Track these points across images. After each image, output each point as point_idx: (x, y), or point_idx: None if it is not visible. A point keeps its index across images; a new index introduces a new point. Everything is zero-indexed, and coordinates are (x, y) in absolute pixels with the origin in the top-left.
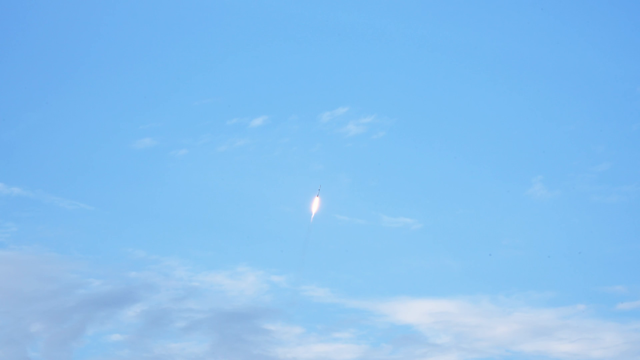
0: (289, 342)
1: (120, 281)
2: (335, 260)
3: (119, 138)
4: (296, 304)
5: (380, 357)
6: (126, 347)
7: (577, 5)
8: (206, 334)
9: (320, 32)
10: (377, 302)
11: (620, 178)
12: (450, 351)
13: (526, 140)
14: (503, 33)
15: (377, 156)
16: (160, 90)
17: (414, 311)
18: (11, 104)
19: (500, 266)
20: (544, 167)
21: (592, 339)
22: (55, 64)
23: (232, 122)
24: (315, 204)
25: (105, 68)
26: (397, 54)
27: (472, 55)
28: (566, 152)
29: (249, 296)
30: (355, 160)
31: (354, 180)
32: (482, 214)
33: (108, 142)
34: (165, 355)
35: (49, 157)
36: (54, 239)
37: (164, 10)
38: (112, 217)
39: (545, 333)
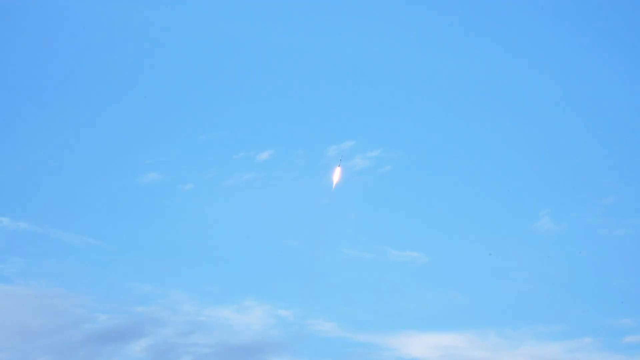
0: None
1: (127, 316)
2: (342, 294)
3: (125, 173)
4: (303, 338)
5: None
6: None
7: (584, 37)
8: None
9: (327, 66)
10: (384, 336)
11: (627, 211)
12: None
13: (533, 173)
14: (508, 65)
15: (384, 190)
16: (166, 125)
17: (422, 345)
18: (17, 139)
19: (508, 300)
20: (551, 200)
21: None
22: (61, 99)
23: (239, 156)
24: (337, 174)
25: (110, 103)
26: (403, 88)
27: (476, 87)
28: (573, 185)
29: (256, 330)
30: (361, 194)
31: (361, 214)
32: (489, 248)
33: (114, 177)
34: None
35: (55, 192)
36: (60, 274)
37: (170, 45)
38: (118, 251)
39: None
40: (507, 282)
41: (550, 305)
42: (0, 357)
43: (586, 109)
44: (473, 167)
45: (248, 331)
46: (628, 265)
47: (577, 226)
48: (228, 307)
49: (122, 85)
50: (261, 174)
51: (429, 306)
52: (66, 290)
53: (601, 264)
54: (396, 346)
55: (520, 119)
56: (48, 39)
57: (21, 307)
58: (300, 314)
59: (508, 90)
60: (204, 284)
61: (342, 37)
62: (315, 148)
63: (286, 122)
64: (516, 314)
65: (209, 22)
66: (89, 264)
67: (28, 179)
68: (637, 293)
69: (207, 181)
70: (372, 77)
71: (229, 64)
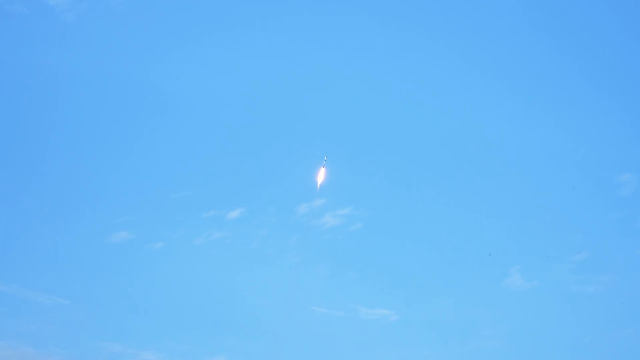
0: None
1: None
2: (313, 353)
3: (95, 231)
4: None
5: None
6: None
7: (546, 93)
8: None
9: (296, 124)
10: None
11: (598, 267)
12: None
13: (503, 230)
14: (475, 120)
15: (354, 248)
16: (136, 184)
17: None
18: None
19: (479, 357)
20: (522, 257)
21: None
22: (29, 156)
23: (209, 214)
24: (321, 175)
25: (80, 161)
26: (373, 145)
27: (445, 144)
28: (544, 241)
29: None
30: (332, 252)
31: (331, 272)
32: (460, 305)
33: (84, 236)
34: None
35: (24, 251)
36: (30, 334)
37: (140, 104)
38: (88, 311)
39: None
40: (478, 339)
41: None
42: None
43: (556, 164)
44: (443, 224)
45: None
46: (599, 322)
47: (548, 282)
48: None
49: (91, 143)
50: (232, 232)
51: None
52: (36, 351)
53: (572, 321)
54: None
55: (491, 175)
56: (13, 95)
57: None
58: None
59: (478, 146)
60: (174, 343)
61: (312, 96)
62: (286, 206)
63: (256, 180)
64: None
65: (177, 80)
66: (59, 324)
67: None
68: (609, 350)
69: (178, 240)
70: (342, 137)
71: (198, 122)
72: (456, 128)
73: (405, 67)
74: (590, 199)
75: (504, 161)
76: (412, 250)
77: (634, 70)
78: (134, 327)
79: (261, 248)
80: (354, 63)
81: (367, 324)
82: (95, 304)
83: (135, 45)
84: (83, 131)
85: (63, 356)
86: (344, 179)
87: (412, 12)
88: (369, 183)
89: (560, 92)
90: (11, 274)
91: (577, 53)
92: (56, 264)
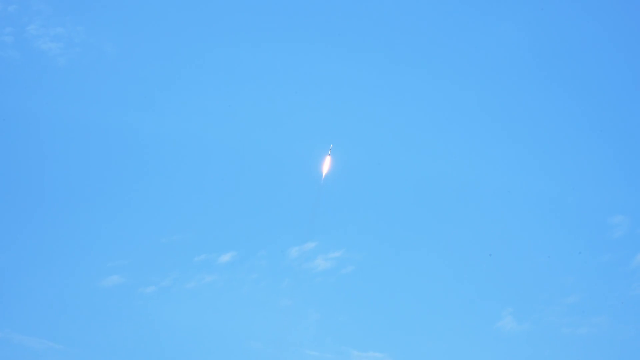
0: None
1: None
2: None
3: (87, 276)
4: None
5: None
6: None
7: (538, 136)
8: None
9: (285, 169)
10: None
11: (590, 310)
12: None
13: (495, 272)
14: (465, 162)
15: (346, 290)
16: (127, 228)
17: None
18: None
19: None
20: (514, 299)
21: None
22: (21, 200)
23: (200, 258)
24: (327, 164)
25: (71, 206)
26: (364, 189)
27: (435, 186)
28: (535, 284)
29: None
30: (323, 295)
31: (323, 315)
32: (452, 347)
33: (76, 280)
34: None
35: (15, 296)
36: None
37: (129, 148)
38: (80, 355)
39: None
40: None
41: None
42: None
43: (548, 206)
44: (436, 266)
45: None
46: None
47: (540, 325)
48: None
49: (82, 188)
50: (223, 276)
51: None
52: None
53: None
54: None
55: (483, 218)
56: (4, 140)
57: None
58: None
59: (470, 190)
60: None
61: (300, 142)
62: (277, 249)
63: (248, 224)
64: None
65: (168, 125)
66: None
67: None
68: None
69: (169, 284)
70: (333, 180)
71: (189, 167)
72: (447, 171)
73: (397, 111)
74: (583, 241)
75: (496, 204)
76: (404, 292)
77: (626, 115)
78: None
79: (253, 292)
80: (345, 105)
81: None
82: (87, 348)
83: (127, 91)
84: (74, 176)
85: None
86: (336, 222)
87: (406, 54)
88: (360, 226)
89: (552, 135)
90: (3, 319)
91: (569, 99)
92: (48, 308)
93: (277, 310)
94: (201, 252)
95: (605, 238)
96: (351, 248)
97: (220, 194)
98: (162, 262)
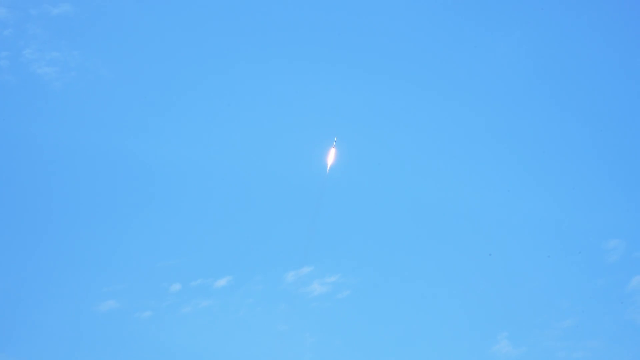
0: None
1: None
2: None
3: (82, 301)
4: None
5: None
6: None
7: (532, 159)
8: None
9: (281, 193)
10: None
11: (585, 334)
12: None
13: (491, 297)
14: (467, 189)
15: (342, 315)
16: (123, 253)
17: None
18: None
19: None
20: (509, 323)
21: None
22: (14, 225)
23: (197, 283)
24: (331, 156)
25: (66, 231)
26: (359, 214)
27: (428, 211)
28: (531, 308)
29: None
30: (319, 320)
31: (318, 340)
32: None
33: (71, 305)
34: None
35: (10, 321)
36: None
37: (125, 172)
38: None
39: None
40: None
41: None
42: None
43: (544, 230)
44: (431, 291)
45: None
46: None
47: (535, 349)
48: None
49: (77, 213)
50: (219, 301)
51: None
52: None
53: None
54: None
55: (478, 241)
56: None
57: None
58: None
59: (465, 213)
60: None
61: (298, 166)
62: (273, 274)
63: (244, 249)
64: None
65: (163, 149)
66: None
67: None
68: None
69: (165, 308)
70: (329, 203)
71: (185, 192)
72: (441, 195)
73: (391, 136)
74: (578, 265)
75: (491, 228)
76: (400, 317)
77: (621, 138)
78: None
79: (248, 316)
80: (338, 129)
81: None
82: None
83: (122, 115)
84: (69, 200)
85: None
86: (332, 246)
87: (399, 78)
88: (357, 250)
89: (546, 159)
90: None
91: (562, 121)
92: (43, 333)
93: (273, 335)
94: (197, 276)
95: (601, 262)
96: (347, 273)
97: (217, 219)
98: (158, 287)
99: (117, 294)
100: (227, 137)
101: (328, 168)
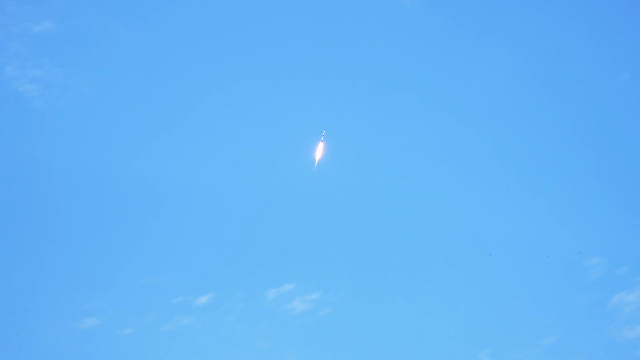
0: None
1: None
2: None
3: (62, 318)
4: None
5: None
6: None
7: (512, 177)
8: None
9: (264, 212)
10: None
11: (567, 351)
12: None
13: (473, 314)
14: (448, 208)
15: (323, 333)
16: (103, 270)
17: None
18: None
19: None
20: (491, 341)
21: None
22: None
23: (177, 300)
24: (319, 150)
25: (46, 248)
26: (341, 231)
27: (415, 232)
28: (513, 325)
29: None
30: (301, 337)
31: (300, 357)
32: None
33: (51, 322)
34: None
35: None
36: None
37: (107, 193)
38: None
39: None
40: None
41: None
42: None
43: (525, 247)
44: (412, 309)
45: None
46: None
47: None
48: None
49: (57, 230)
50: (200, 318)
51: None
52: None
53: None
54: None
55: (459, 259)
56: None
57: None
58: None
59: (447, 232)
60: None
61: (279, 182)
62: (254, 292)
63: (225, 266)
64: None
65: (145, 166)
66: None
67: None
68: None
69: (146, 325)
70: (311, 223)
71: (166, 209)
72: (424, 213)
73: (378, 153)
74: (558, 284)
75: (472, 246)
76: (382, 335)
77: (603, 156)
78: None
79: (230, 334)
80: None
81: None
82: None
83: (105, 133)
84: (49, 218)
85: None
86: (314, 263)
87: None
88: (338, 267)
89: (529, 176)
90: None
91: (545, 139)
92: (23, 350)
93: (255, 353)
94: (178, 294)
95: (581, 280)
96: (329, 290)
97: (198, 236)
98: (139, 304)
99: (98, 311)
100: (209, 157)
101: (315, 164)
